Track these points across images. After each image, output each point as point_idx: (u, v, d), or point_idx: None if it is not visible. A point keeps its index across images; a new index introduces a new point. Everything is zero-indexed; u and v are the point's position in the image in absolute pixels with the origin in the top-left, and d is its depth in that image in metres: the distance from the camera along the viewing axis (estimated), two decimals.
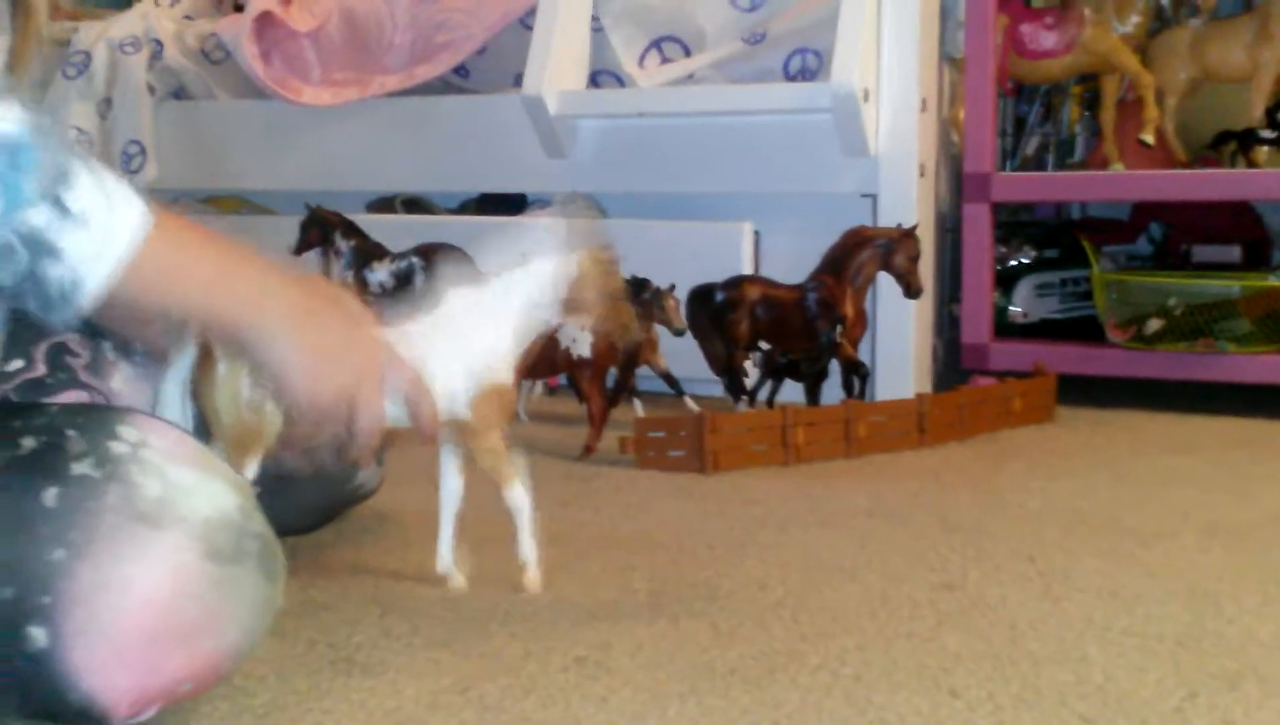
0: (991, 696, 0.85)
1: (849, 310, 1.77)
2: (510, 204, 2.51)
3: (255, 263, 0.84)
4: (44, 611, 0.74)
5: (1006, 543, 1.25)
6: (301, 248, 2.18)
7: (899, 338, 2.07)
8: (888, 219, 1.98)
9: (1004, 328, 2.29)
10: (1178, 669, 0.90)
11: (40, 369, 1.01)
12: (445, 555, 1.10)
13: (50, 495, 0.76)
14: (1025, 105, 2.53)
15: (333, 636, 0.97)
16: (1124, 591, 1.09)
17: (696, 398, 1.94)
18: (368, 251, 2.11)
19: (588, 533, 1.29)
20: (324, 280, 0.96)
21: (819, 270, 1.80)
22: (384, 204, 2.57)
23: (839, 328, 1.75)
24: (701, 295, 1.85)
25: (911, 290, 1.78)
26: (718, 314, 1.82)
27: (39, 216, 0.73)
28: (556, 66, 2.22)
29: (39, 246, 0.73)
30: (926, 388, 2.09)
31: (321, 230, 2.16)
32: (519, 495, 1.05)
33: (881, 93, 2.06)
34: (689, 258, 2.04)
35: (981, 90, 2.14)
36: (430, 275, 2.01)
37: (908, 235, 1.77)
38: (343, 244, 2.13)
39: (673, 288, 1.80)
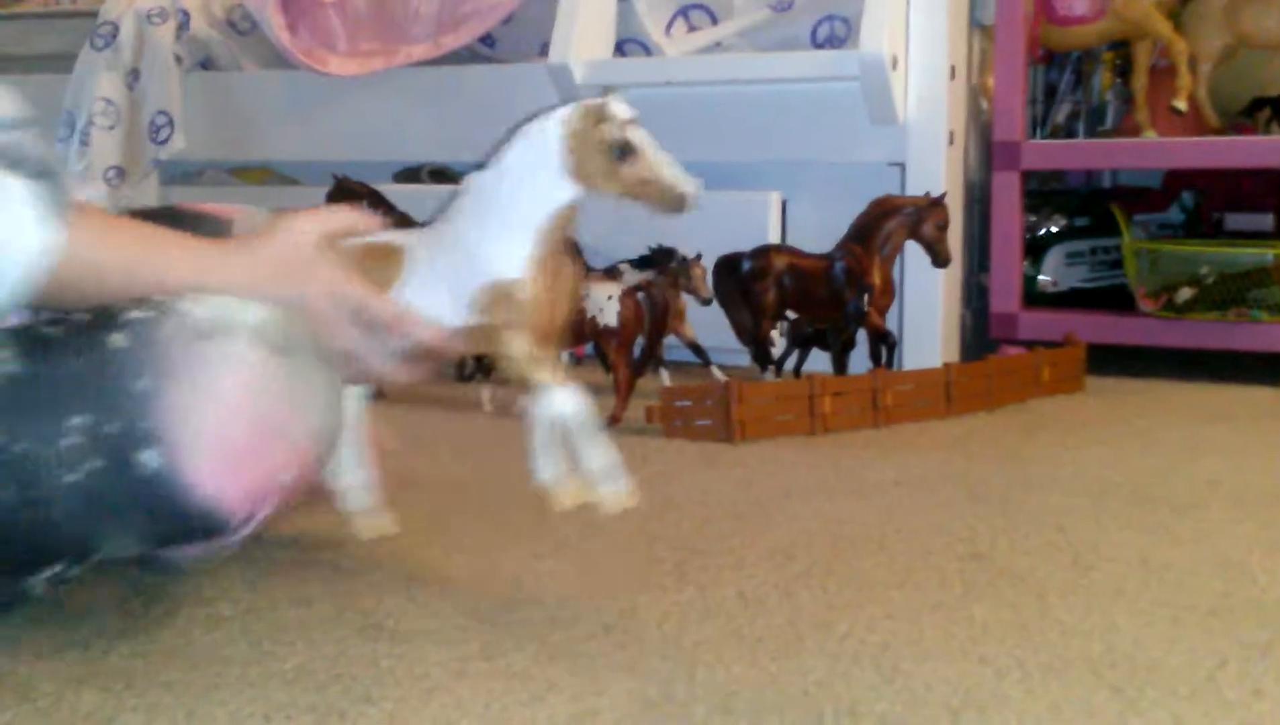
0: (1020, 664, 0.85)
1: (876, 279, 1.76)
2: None
3: (182, 247, 0.86)
4: (149, 436, 0.79)
5: (1035, 513, 1.24)
6: None
7: (927, 307, 2.06)
8: (916, 188, 1.97)
9: (1033, 297, 2.28)
10: (1209, 638, 0.90)
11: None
12: (543, 468, 0.92)
13: (116, 339, 0.81)
14: (1056, 72, 2.50)
15: (360, 603, 0.98)
16: (1154, 561, 1.08)
17: (723, 367, 1.93)
18: (394, 222, 2.10)
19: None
20: (270, 232, 0.92)
21: (846, 239, 1.79)
22: (410, 174, 2.57)
23: (866, 297, 1.74)
24: (728, 264, 1.85)
25: (940, 259, 1.77)
26: (745, 283, 1.82)
27: None
28: (583, 35, 2.21)
29: None
30: (954, 357, 2.08)
31: (348, 200, 2.16)
32: (559, 401, 0.88)
33: (910, 60, 2.04)
34: (716, 227, 2.03)
35: (1012, 57, 2.12)
36: None
37: (936, 204, 1.76)
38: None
39: (699, 257, 1.80)
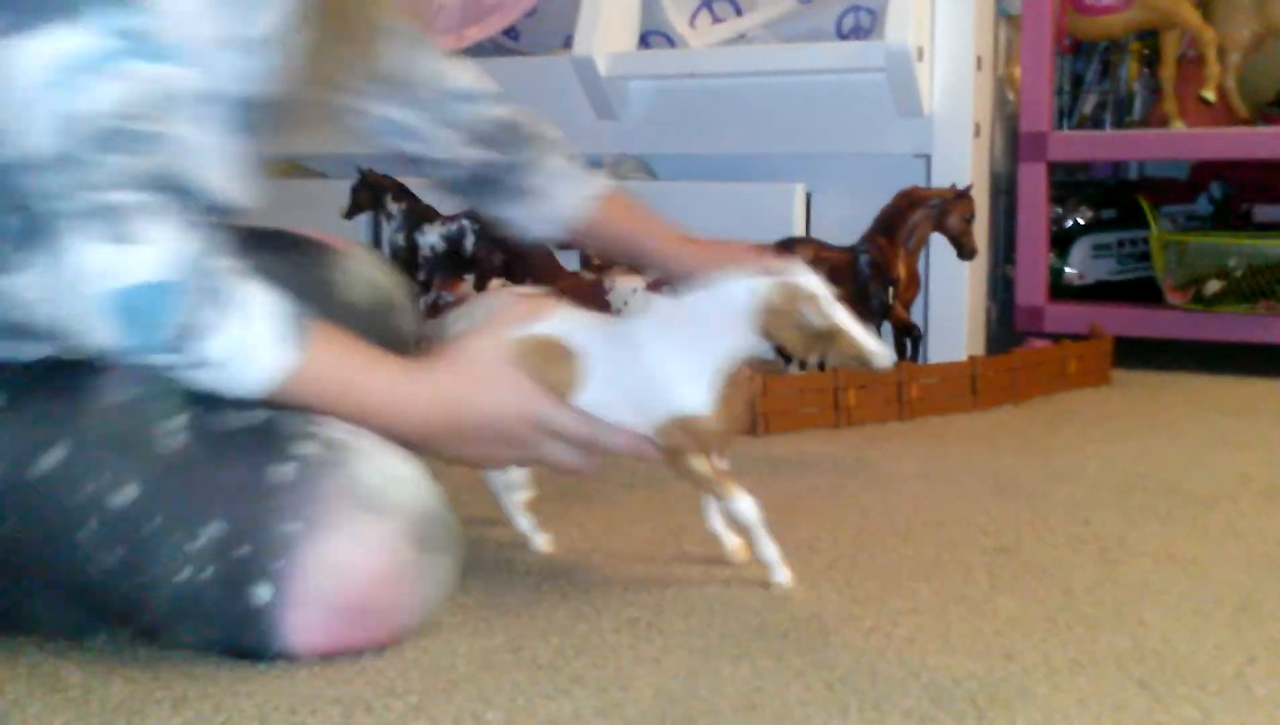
0: (1047, 660, 0.84)
1: (902, 272, 1.75)
2: None
3: (384, 387, 0.88)
4: (273, 575, 0.81)
5: (1061, 506, 1.24)
6: (353, 211, 2.19)
7: (952, 300, 2.05)
8: (941, 179, 1.96)
9: (1059, 289, 2.26)
10: (1237, 633, 0.89)
11: None
12: (717, 525, 1.06)
13: (288, 470, 0.83)
14: (1083, 63, 2.49)
15: None
16: (1182, 555, 1.08)
17: None
18: (419, 214, 2.11)
19: (639, 495, 1.29)
20: (459, 347, 0.94)
21: (871, 231, 1.78)
22: None
23: (891, 290, 1.74)
24: None
25: (965, 252, 1.76)
26: None
27: (165, 360, 0.81)
28: (607, 27, 2.21)
29: (166, 374, 0.82)
30: (980, 350, 2.07)
31: (372, 193, 2.16)
32: (740, 508, 0.97)
33: (936, 51, 2.03)
34: (740, 219, 2.03)
35: (1038, 47, 2.11)
36: (480, 238, 2.01)
37: (962, 196, 1.75)
38: (394, 207, 2.13)
39: None
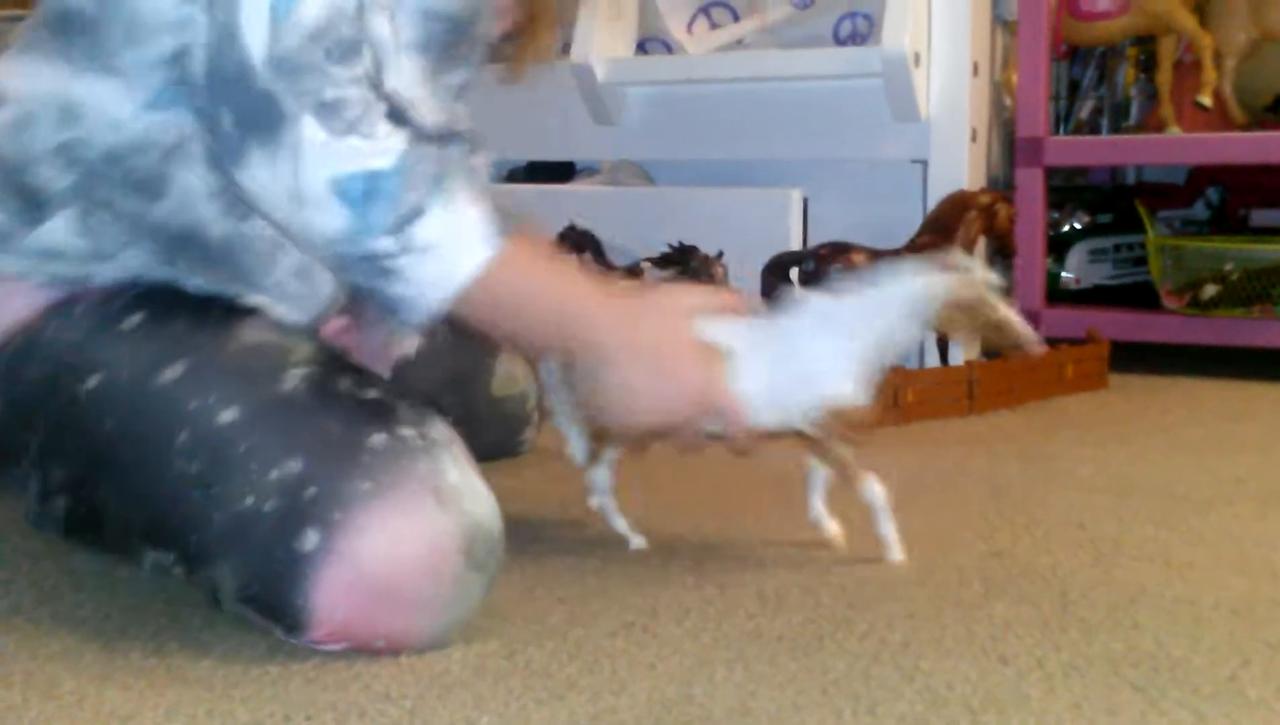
0: (1041, 664, 0.84)
1: None
2: (558, 172, 2.51)
3: (589, 294, 0.91)
4: (327, 524, 0.83)
5: (1057, 510, 1.24)
6: None
7: None
8: (938, 185, 1.96)
9: (1056, 294, 2.27)
10: (1232, 637, 0.89)
11: None
12: (819, 511, 1.11)
13: (378, 439, 0.85)
14: (1079, 68, 2.49)
15: None
16: (1177, 559, 1.08)
17: None
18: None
19: (635, 499, 1.29)
20: (664, 294, 0.95)
21: (921, 233, 1.80)
22: None
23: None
24: (782, 265, 1.83)
25: (1010, 251, 1.84)
26: (812, 284, 1.79)
27: (381, 245, 0.83)
28: (604, 34, 2.21)
29: (376, 269, 0.84)
30: (976, 354, 2.07)
31: None
32: (869, 491, 1.03)
33: (933, 57, 2.03)
34: (737, 224, 2.03)
35: (1034, 53, 2.11)
36: None
37: (1008, 198, 1.79)
38: None
39: (720, 255, 1.80)
